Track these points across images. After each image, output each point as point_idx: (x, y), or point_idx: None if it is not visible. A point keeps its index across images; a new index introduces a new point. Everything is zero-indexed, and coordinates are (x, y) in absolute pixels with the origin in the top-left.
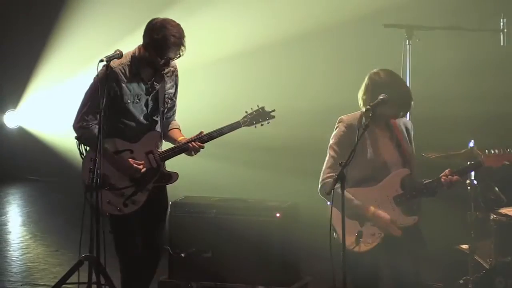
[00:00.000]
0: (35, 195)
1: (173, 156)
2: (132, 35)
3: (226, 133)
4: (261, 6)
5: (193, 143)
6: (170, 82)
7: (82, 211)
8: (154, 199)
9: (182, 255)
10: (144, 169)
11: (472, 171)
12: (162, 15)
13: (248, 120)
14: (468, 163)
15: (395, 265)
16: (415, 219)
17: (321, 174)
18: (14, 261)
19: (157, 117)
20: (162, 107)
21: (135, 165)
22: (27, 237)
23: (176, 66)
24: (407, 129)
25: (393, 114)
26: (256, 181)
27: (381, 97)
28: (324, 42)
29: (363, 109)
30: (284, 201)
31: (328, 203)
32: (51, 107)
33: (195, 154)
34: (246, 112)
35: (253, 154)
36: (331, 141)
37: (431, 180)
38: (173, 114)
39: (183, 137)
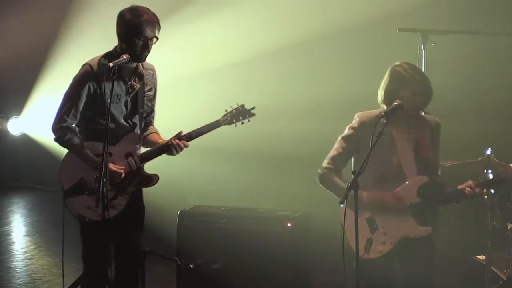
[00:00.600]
0: (40, 204)
1: (153, 157)
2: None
3: (205, 133)
4: (271, 10)
5: (175, 140)
6: (150, 84)
7: (62, 218)
8: (131, 204)
9: (191, 266)
10: (124, 173)
11: (497, 185)
12: (167, 21)
13: (228, 118)
14: (491, 175)
15: (407, 274)
16: (428, 230)
17: (323, 162)
18: (18, 272)
19: (136, 119)
20: (142, 108)
21: (115, 169)
22: (31, 247)
23: (154, 69)
24: (433, 131)
25: (415, 105)
26: (266, 190)
27: (395, 103)
28: (337, 46)
29: (383, 106)
30: (295, 211)
31: (342, 205)
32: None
33: (178, 153)
34: (226, 110)
35: (264, 162)
36: (343, 133)
37: (453, 190)
38: (152, 119)
39: (163, 140)
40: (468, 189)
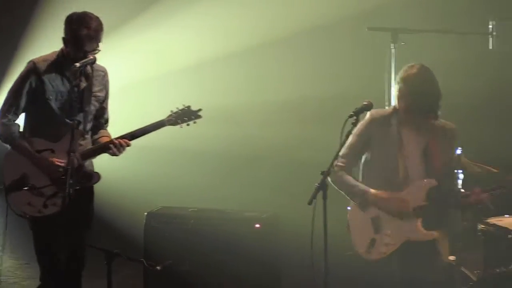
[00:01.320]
0: (2, 205)
1: (94, 155)
2: (116, 34)
3: (150, 132)
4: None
5: (117, 139)
6: (99, 85)
7: (5, 215)
8: (78, 203)
9: (158, 267)
10: (63, 167)
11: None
12: (146, 13)
13: (173, 119)
14: (461, 175)
15: (407, 277)
16: (433, 234)
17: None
18: None
19: (80, 117)
20: (87, 107)
21: (55, 162)
22: None
23: (106, 71)
24: (447, 137)
25: (416, 106)
26: (235, 191)
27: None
28: (306, 46)
29: (396, 105)
30: (263, 211)
31: (348, 208)
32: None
33: (120, 152)
34: (171, 111)
35: (231, 162)
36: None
37: (463, 196)
38: (105, 123)
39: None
40: (474, 196)
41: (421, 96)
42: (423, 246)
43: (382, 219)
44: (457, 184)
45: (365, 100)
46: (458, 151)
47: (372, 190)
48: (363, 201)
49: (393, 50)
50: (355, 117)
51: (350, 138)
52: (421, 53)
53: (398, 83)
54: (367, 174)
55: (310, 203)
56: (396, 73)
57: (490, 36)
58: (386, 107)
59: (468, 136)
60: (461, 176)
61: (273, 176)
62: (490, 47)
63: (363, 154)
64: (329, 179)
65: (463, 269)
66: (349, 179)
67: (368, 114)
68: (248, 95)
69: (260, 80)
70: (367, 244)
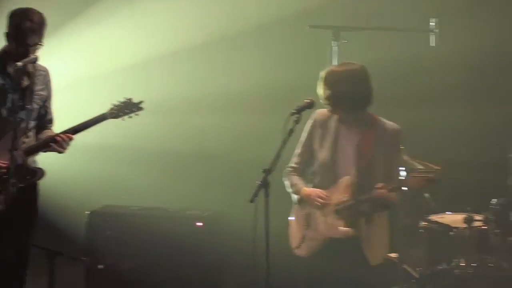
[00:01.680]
0: None
1: (37, 151)
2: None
3: (91, 126)
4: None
5: (60, 135)
6: (41, 84)
7: None
8: (22, 201)
9: (100, 266)
10: (5, 166)
11: (398, 188)
12: (92, 11)
13: (115, 112)
14: (404, 172)
15: (332, 275)
16: (349, 231)
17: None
18: None
19: (22, 114)
20: (29, 105)
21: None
22: None
23: (47, 70)
24: (387, 136)
25: (347, 102)
26: (177, 189)
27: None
28: (247, 43)
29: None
30: (205, 210)
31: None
32: None
33: (64, 148)
34: (113, 104)
35: (174, 160)
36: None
37: (368, 196)
38: (49, 123)
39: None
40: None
41: (345, 93)
42: (345, 244)
43: (312, 215)
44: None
45: (307, 98)
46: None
47: (305, 188)
48: (299, 198)
49: (335, 48)
50: (297, 115)
51: (302, 137)
52: (363, 50)
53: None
54: (317, 173)
55: (252, 201)
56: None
57: (431, 33)
58: None
59: (409, 132)
60: (403, 173)
61: (217, 173)
62: (432, 44)
63: (313, 155)
64: (283, 179)
65: (405, 266)
66: (294, 179)
67: (313, 114)
68: (193, 92)
69: (206, 77)
70: (299, 240)
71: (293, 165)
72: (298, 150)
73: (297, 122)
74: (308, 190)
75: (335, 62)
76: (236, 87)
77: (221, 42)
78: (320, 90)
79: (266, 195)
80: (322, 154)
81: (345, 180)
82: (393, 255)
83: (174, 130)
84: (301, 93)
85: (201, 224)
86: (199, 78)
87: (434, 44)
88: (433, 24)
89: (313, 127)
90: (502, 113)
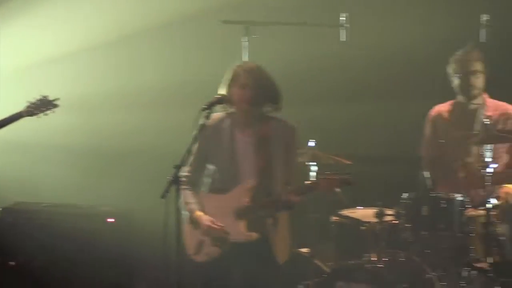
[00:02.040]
0: None
1: None
2: None
3: (8, 124)
4: (103, 2)
5: None
6: None
7: None
8: None
9: (11, 263)
10: None
11: (308, 192)
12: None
13: (31, 109)
14: (305, 184)
15: (239, 279)
16: (251, 235)
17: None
18: None
19: None
20: None
21: None
22: None
23: None
24: (282, 135)
25: (243, 99)
26: (90, 185)
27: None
28: (159, 40)
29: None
30: (117, 207)
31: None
32: None
33: None
34: (29, 102)
35: (87, 157)
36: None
37: (270, 198)
38: None
39: None
40: (283, 195)
41: (253, 89)
42: (251, 247)
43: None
44: (285, 182)
45: (217, 94)
46: (311, 143)
47: (197, 212)
48: (191, 218)
49: (246, 43)
50: (208, 111)
51: (195, 144)
52: (275, 46)
53: (226, 82)
54: (215, 179)
55: (163, 197)
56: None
57: (341, 28)
58: None
59: (321, 127)
60: (314, 168)
61: (129, 169)
62: (342, 39)
63: (207, 162)
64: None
65: (316, 261)
66: (187, 195)
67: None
68: (108, 87)
69: (119, 73)
70: (195, 246)
71: (186, 174)
72: (190, 159)
73: (207, 117)
74: (200, 215)
75: (245, 57)
76: (149, 84)
77: (134, 38)
78: (220, 91)
79: (177, 191)
80: (220, 159)
81: (246, 183)
82: (304, 250)
83: (85, 127)
84: (212, 89)
85: (112, 220)
86: (113, 74)
87: (344, 39)
88: (343, 19)
89: (205, 133)
90: (413, 108)
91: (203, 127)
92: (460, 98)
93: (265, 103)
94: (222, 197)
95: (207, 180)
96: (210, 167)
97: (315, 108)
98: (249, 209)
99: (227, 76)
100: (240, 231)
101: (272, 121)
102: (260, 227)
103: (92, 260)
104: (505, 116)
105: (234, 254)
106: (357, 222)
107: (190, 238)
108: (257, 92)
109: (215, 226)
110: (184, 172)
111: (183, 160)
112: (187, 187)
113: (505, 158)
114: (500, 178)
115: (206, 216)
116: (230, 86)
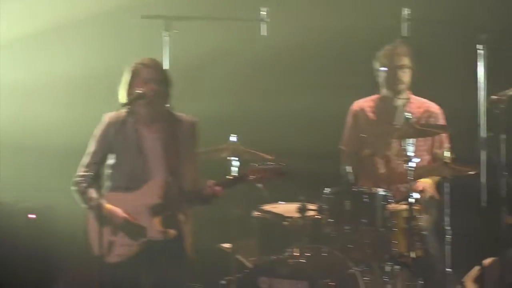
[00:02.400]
0: None
1: None
2: None
3: None
4: None
5: None
6: None
7: None
8: None
9: None
10: None
11: (237, 183)
12: None
13: None
14: (233, 175)
15: (154, 278)
16: (169, 232)
17: (79, 169)
18: None
19: None
20: None
21: None
22: None
23: None
24: (186, 130)
25: (153, 94)
26: (9, 180)
27: (137, 90)
28: (78, 35)
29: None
30: (38, 203)
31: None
32: None
33: None
34: None
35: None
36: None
37: (194, 191)
38: None
39: None
40: (208, 188)
41: (162, 83)
42: (166, 245)
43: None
44: (193, 177)
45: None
46: (233, 139)
47: (107, 205)
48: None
49: (166, 38)
50: (129, 106)
51: (92, 145)
52: (195, 40)
53: (129, 79)
54: (114, 178)
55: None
56: (169, 63)
57: (262, 22)
58: None
59: (242, 122)
60: (236, 163)
61: (50, 164)
62: (263, 34)
63: (105, 160)
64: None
65: (238, 256)
66: (90, 192)
67: (104, 118)
68: (25, 81)
69: (36, 67)
70: (105, 247)
71: (84, 174)
72: (87, 159)
73: (129, 113)
74: (112, 208)
75: (166, 52)
76: (67, 78)
77: (54, 34)
78: (121, 90)
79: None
80: (126, 156)
81: (156, 181)
82: (226, 245)
83: (2, 120)
84: None
85: (33, 216)
86: (21, 70)
87: (265, 34)
88: (264, 13)
89: (106, 133)
90: (335, 103)
91: (103, 125)
92: (384, 92)
93: (167, 97)
94: (131, 195)
95: (106, 182)
96: (108, 167)
97: (238, 103)
98: (165, 205)
99: (127, 74)
100: (156, 229)
101: (175, 116)
102: (174, 224)
103: (13, 256)
104: (427, 114)
105: (150, 253)
106: (279, 217)
107: (97, 238)
108: (161, 86)
109: (132, 219)
110: (81, 171)
111: (88, 163)
112: (86, 185)
113: (426, 156)
114: (420, 172)
115: (120, 209)
116: (131, 84)
